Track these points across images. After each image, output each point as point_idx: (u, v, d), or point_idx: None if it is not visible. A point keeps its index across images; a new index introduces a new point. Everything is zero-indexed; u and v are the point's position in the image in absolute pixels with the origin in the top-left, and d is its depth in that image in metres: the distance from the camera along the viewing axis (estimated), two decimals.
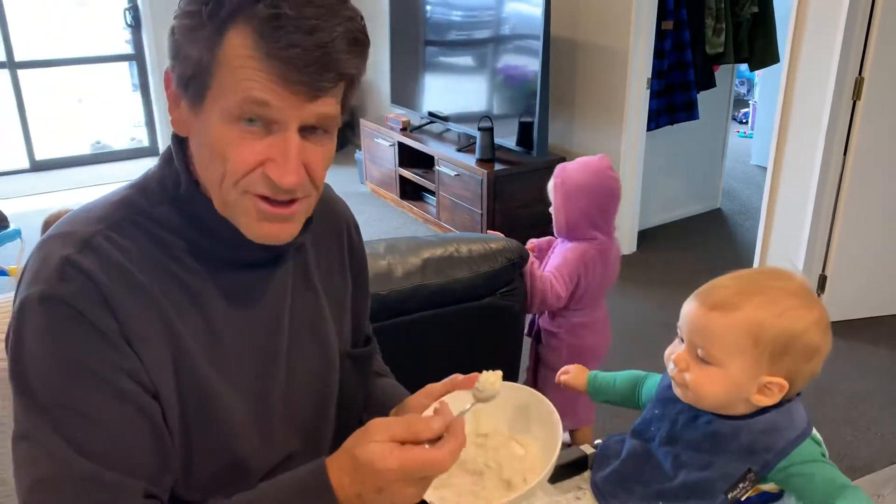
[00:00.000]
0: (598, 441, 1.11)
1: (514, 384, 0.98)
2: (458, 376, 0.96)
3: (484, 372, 0.89)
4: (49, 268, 0.76)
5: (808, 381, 0.95)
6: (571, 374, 1.19)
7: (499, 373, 0.89)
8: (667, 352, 0.99)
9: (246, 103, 0.73)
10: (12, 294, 1.27)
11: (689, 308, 0.95)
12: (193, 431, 0.83)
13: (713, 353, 0.92)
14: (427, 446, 0.76)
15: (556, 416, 0.93)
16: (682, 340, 0.97)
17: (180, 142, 0.85)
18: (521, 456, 0.94)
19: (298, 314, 0.92)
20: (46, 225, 2.69)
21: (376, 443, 0.74)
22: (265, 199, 0.78)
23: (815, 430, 0.95)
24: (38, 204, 4.74)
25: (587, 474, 1.08)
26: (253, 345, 0.87)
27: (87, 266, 0.76)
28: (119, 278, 0.77)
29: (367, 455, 0.74)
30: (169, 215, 0.83)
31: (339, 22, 0.73)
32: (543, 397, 0.96)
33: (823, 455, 0.94)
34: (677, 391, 0.98)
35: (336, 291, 1.00)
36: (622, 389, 1.15)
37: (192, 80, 0.76)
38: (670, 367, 0.97)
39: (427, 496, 0.82)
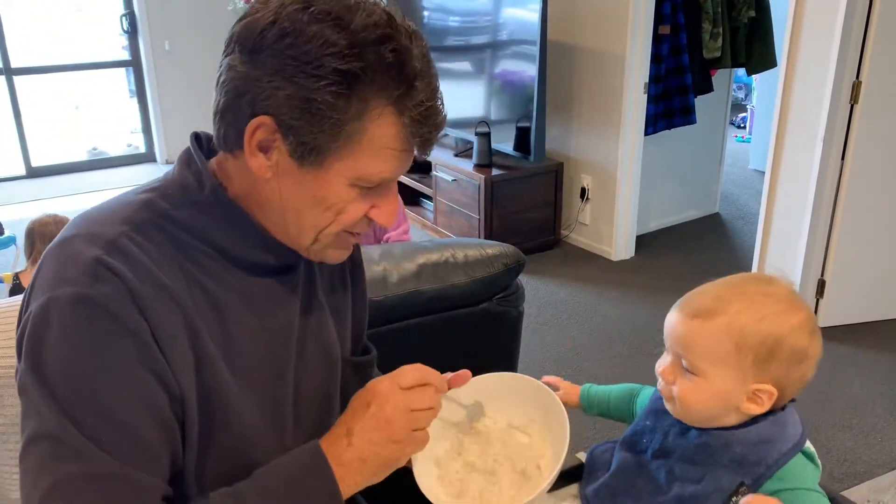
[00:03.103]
0: (579, 454, 1.09)
1: (493, 374, 0.98)
2: (449, 374, 0.98)
3: None
4: (78, 268, 0.76)
5: (802, 387, 0.93)
6: (562, 389, 1.16)
7: None
8: (656, 365, 0.97)
9: (378, 179, 0.82)
10: (10, 299, 1.26)
11: (671, 318, 0.94)
12: (212, 434, 0.84)
13: (695, 362, 0.90)
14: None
15: (547, 389, 0.94)
16: (669, 352, 0.95)
17: (201, 146, 0.86)
18: (527, 443, 0.95)
19: (306, 322, 0.94)
20: (31, 232, 2.65)
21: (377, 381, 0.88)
22: (351, 232, 0.88)
23: (808, 444, 0.93)
24: (34, 211, 4.71)
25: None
26: (267, 351, 0.88)
27: (118, 267, 0.77)
28: (146, 279, 0.78)
29: (369, 385, 0.87)
30: (191, 218, 0.84)
31: (442, 98, 0.82)
32: (528, 377, 0.96)
33: (816, 470, 0.92)
34: (668, 406, 0.96)
35: (338, 303, 1.02)
36: (617, 402, 1.13)
37: (318, 144, 0.78)
38: (659, 381, 0.96)
39: None
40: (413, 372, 0.87)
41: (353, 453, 0.84)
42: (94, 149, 5.87)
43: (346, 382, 1.02)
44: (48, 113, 5.91)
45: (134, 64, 5.57)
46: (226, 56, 0.80)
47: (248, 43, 0.77)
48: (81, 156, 5.79)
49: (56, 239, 0.82)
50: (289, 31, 0.75)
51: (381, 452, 0.84)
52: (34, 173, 5.44)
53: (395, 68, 0.77)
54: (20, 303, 0.84)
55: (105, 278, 0.76)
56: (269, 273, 0.89)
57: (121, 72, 5.93)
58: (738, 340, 0.88)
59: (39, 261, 0.81)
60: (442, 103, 0.83)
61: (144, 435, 0.77)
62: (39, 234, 2.63)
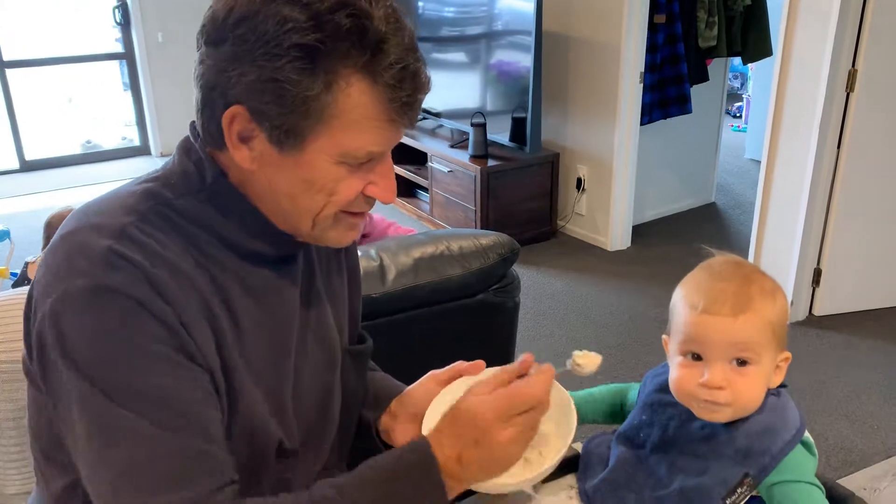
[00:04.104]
0: (575, 444, 1.08)
1: (492, 368, 0.98)
2: (463, 363, 0.99)
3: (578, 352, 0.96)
4: (90, 259, 0.75)
5: None
6: None
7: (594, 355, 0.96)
8: (680, 381, 0.94)
9: (364, 153, 0.79)
10: (9, 292, 1.24)
11: (710, 323, 0.92)
12: (231, 414, 0.84)
13: (754, 352, 0.91)
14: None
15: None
16: (699, 358, 0.93)
17: (200, 135, 0.85)
18: None
19: (306, 314, 0.94)
20: (49, 225, 2.62)
21: (475, 395, 0.84)
22: (352, 212, 0.85)
23: (807, 433, 0.94)
24: (28, 205, 4.71)
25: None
26: (268, 341, 0.88)
27: (131, 255, 0.76)
28: (161, 265, 0.78)
29: (466, 404, 0.83)
30: (193, 207, 0.83)
31: (421, 59, 0.79)
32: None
33: (814, 460, 0.92)
34: (713, 416, 0.93)
35: (335, 292, 1.02)
36: (610, 404, 1.12)
37: (293, 126, 0.76)
38: (702, 393, 0.92)
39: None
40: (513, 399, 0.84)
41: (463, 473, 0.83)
42: (88, 142, 5.84)
43: (345, 372, 1.02)
44: (41, 106, 5.88)
45: (127, 56, 5.53)
46: (198, 50, 0.80)
47: (211, 34, 0.77)
48: (75, 149, 5.77)
49: (57, 234, 0.81)
50: (246, 16, 0.74)
51: (492, 469, 0.85)
52: (28, 167, 5.42)
53: (355, 34, 0.74)
54: (22, 295, 0.84)
55: (120, 266, 0.75)
56: (269, 263, 0.89)
57: (114, 64, 5.90)
58: (772, 321, 0.93)
59: (42, 258, 0.80)
60: (422, 63, 0.79)
61: (199, 411, 0.78)
62: (57, 227, 2.60)
